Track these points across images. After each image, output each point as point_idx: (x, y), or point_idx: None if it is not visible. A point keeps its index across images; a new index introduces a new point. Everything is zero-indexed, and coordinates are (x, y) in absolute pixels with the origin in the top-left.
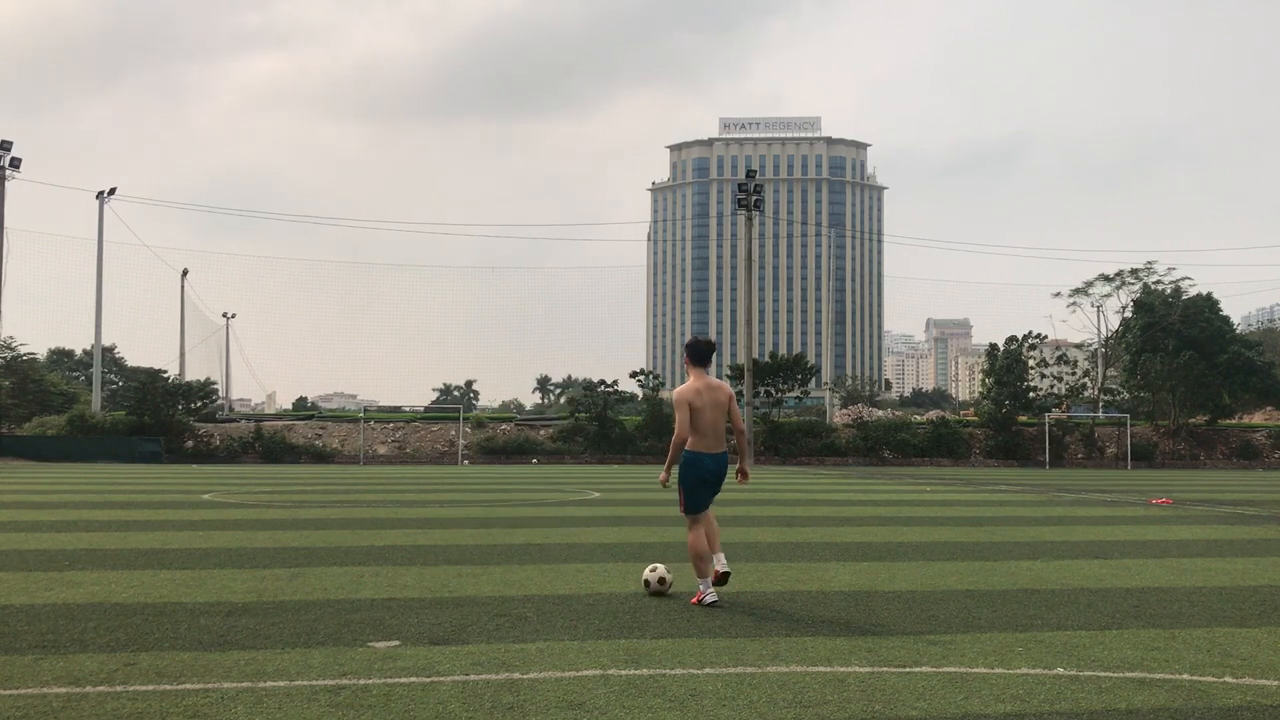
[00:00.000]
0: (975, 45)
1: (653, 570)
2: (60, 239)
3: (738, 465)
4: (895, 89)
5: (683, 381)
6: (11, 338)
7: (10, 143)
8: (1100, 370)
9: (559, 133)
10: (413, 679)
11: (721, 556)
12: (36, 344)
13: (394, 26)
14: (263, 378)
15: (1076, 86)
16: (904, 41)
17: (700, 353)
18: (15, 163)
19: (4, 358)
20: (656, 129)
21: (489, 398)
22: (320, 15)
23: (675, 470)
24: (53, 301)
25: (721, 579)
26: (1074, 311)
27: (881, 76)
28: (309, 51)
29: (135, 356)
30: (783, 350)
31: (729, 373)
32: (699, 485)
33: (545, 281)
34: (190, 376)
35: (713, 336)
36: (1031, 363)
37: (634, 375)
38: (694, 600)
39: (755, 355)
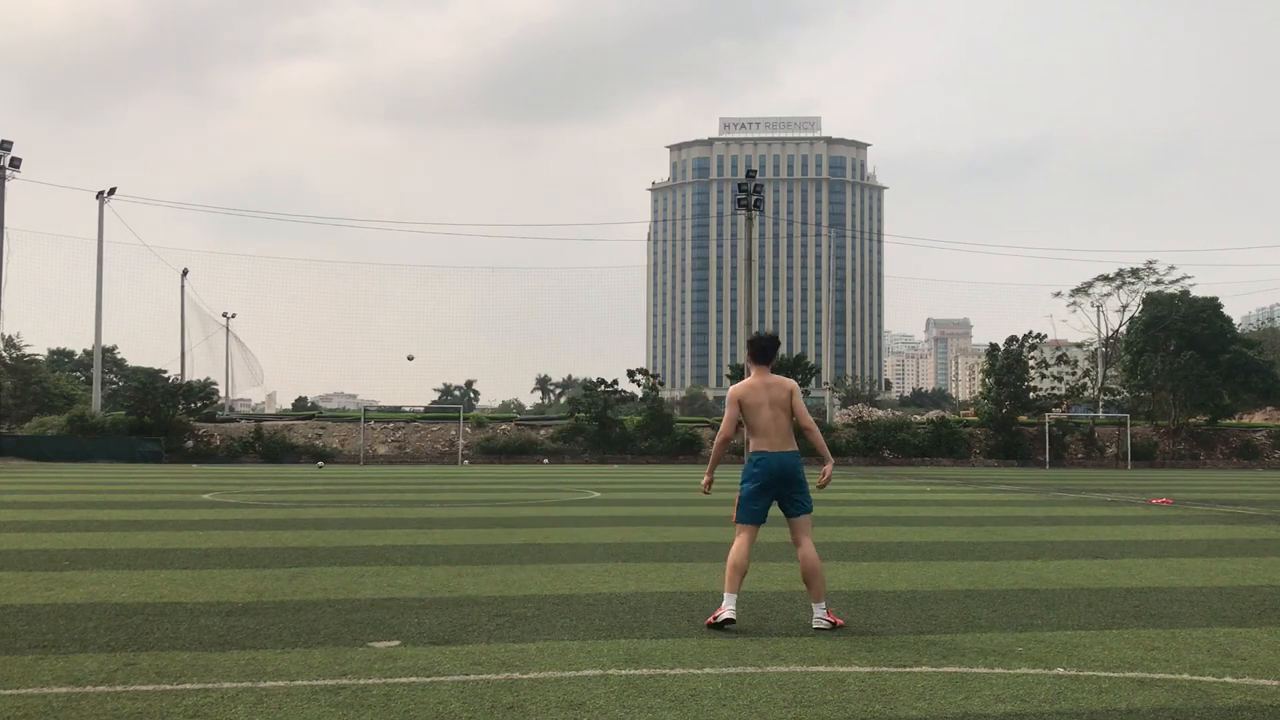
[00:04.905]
0: (991, 51)
1: None
2: (62, 239)
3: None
4: (908, 92)
5: (694, 381)
6: (18, 335)
7: (10, 142)
8: (1100, 370)
9: (571, 136)
10: (413, 679)
11: (820, 609)
12: (38, 344)
13: (430, 36)
14: (263, 377)
15: (1091, 91)
16: (916, 46)
17: (761, 348)
18: (15, 162)
19: (10, 355)
20: (661, 130)
21: (489, 398)
22: (357, 24)
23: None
24: (55, 302)
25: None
26: (1074, 311)
27: (893, 80)
28: (345, 59)
29: (136, 356)
30: (783, 350)
31: (729, 373)
32: (756, 490)
33: (545, 281)
34: (195, 376)
35: (712, 336)
36: (1032, 363)
37: (631, 375)
38: (708, 620)
39: None
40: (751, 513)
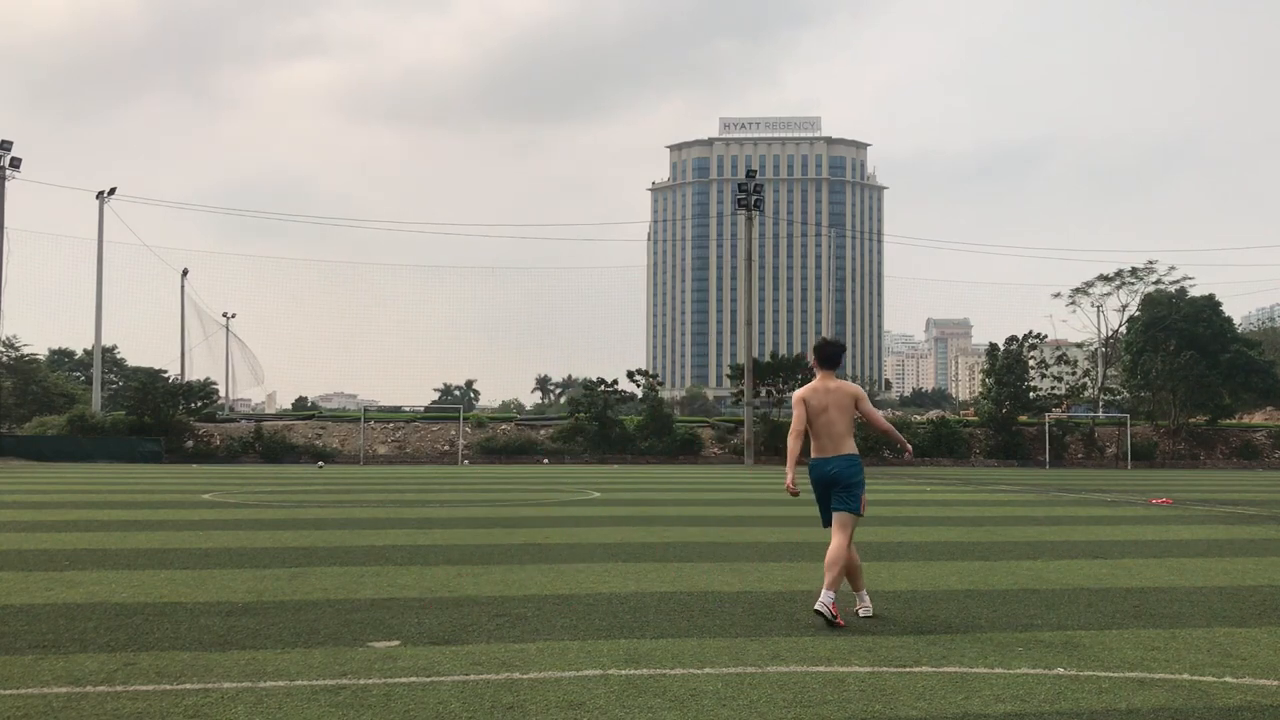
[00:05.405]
0: (991, 51)
1: None
2: (62, 239)
3: (901, 449)
4: (909, 92)
5: (694, 381)
6: (14, 336)
7: (10, 142)
8: (1100, 370)
9: (571, 137)
10: (413, 679)
11: (861, 595)
12: (38, 344)
13: (431, 37)
14: (264, 376)
15: (1091, 91)
16: (916, 46)
17: (827, 354)
18: (15, 162)
19: (8, 357)
20: (662, 130)
21: (489, 398)
22: (358, 25)
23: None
24: (55, 302)
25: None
26: (1074, 311)
27: (894, 80)
28: (346, 60)
29: (136, 356)
30: (783, 350)
31: (729, 372)
32: (817, 495)
33: (546, 281)
34: (195, 376)
35: (712, 336)
36: (1032, 363)
37: (630, 375)
38: (855, 613)
39: (755, 355)
40: (826, 515)
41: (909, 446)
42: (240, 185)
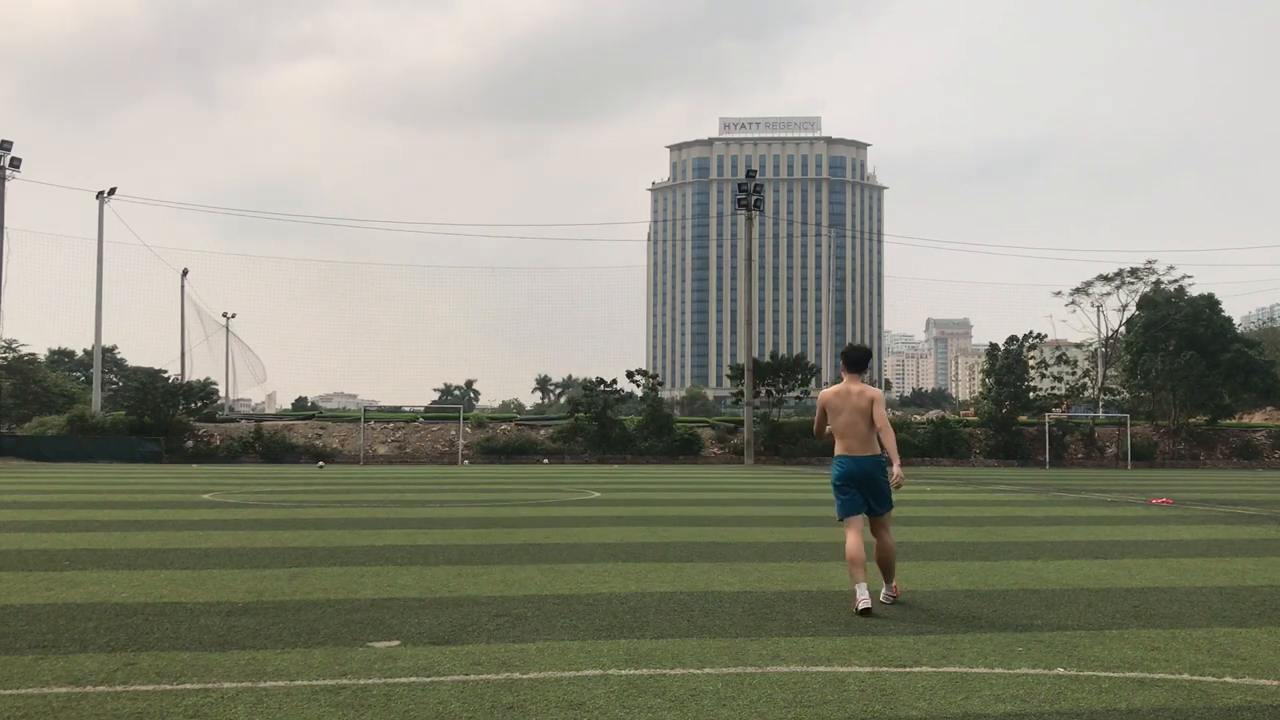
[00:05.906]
0: (991, 51)
1: None
2: (62, 239)
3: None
4: (909, 92)
5: (694, 381)
6: (14, 340)
7: (10, 142)
8: (1100, 370)
9: (572, 137)
10: (413, 679)
11: (861, 588)
12: (38, 344)
13: (432, 37)
14: (265, 376)
15: (1091, 91)
16: (917, 46)
17: (852, 359)
18: (15, 163)
19: (5, 358)
20: (664, 130)
21: (489, 398)
22: (360, 26)
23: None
24: (55, 302)
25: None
26: (1074, 311)
27: (894, 80)
28: (348, 60)
29: (136, 356)
30: (783, 350)
31: (729, 372)
32: (840, 489)
33: (546, 282)
34: (195, 376)
35: (712, 336)
36: (1032, 363)
37: (630, 375)
38: (854, 609)
39: (755, 355)
40: (846, 506)
41: (899, 474)
42: (240, 185)
